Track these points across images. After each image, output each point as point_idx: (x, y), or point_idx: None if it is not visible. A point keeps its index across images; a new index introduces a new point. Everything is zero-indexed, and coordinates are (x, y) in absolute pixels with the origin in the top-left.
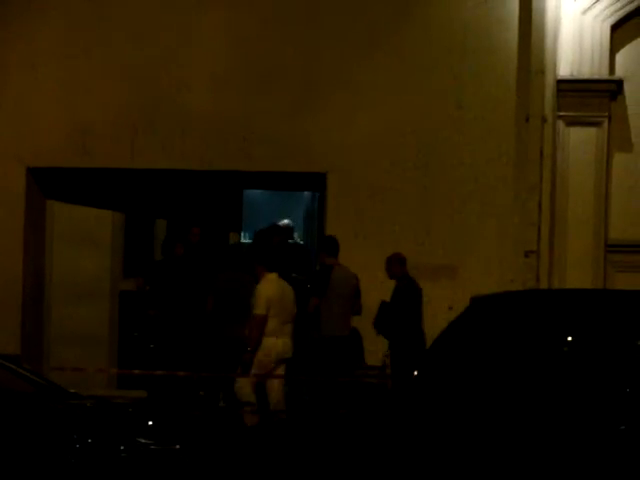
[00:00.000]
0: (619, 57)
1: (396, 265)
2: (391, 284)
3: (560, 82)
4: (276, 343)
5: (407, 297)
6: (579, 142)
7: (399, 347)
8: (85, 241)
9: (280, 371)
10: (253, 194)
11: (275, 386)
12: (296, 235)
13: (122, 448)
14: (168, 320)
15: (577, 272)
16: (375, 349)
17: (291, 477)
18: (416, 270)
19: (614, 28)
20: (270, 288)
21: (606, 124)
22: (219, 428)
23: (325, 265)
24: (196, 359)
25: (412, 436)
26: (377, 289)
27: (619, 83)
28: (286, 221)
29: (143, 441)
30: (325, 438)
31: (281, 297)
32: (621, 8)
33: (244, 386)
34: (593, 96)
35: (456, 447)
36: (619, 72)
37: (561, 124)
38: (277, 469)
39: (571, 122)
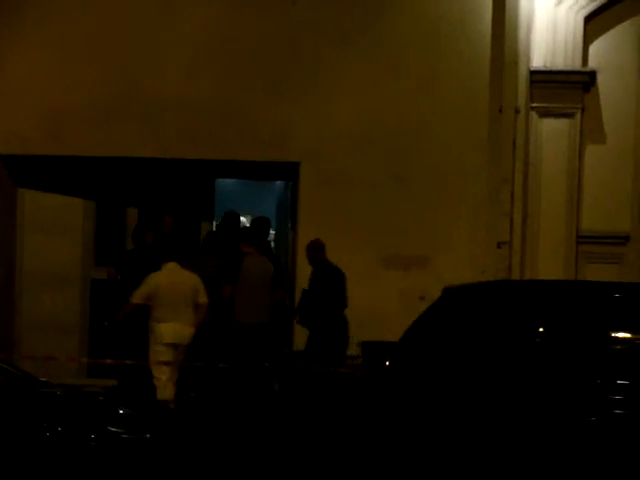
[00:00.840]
0: (592, 49)
1: (312, 252)
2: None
3: (533, 73)
4: (166, 329)
5: (325, 283)
6: (552, 133)
7: (320, 334)
8: (56, 229)
9: (171, 357)
10: (225, 183)
11: (165, 371)
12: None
13: (93, 437)
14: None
15: (549, 263)
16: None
17: (267, 467)
18: (389, 260)
19: (587, 20)
20: (158, 277)
21: (579, 115)
22: (189, 417)
23: (240, 253)
24: None
25: (384, 426)
26: (352, 279)
27: (592, 75)
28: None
29: (114, 430)
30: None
31: (172, 285)
32: (594, 0)
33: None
34: (566, 87)
35: (429, 436)
36: (592, 64)
37: (534, 115)
38: (251, 458)
39: (544, 113)
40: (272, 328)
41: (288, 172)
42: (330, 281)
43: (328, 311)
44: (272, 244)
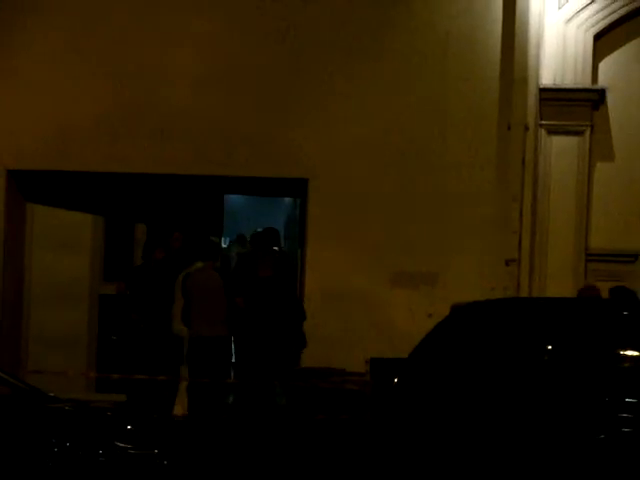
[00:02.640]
0: (602, 66)
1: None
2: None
3: (543, 90)
4: None
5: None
6: (561, 151)
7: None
8: (65, 244)
9: None
10: (234, 199)
11: None
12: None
13: (100, 452)
14: (149, 324)
15: (557, 281)
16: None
17: None
18: (397, 277)
19: (597, 37)
20: None
21: (588, 133)
22: (199, 432)
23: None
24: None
25: (392, 444)
26: (360, 296)
27: (601, 92)
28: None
29: (121, 445)
30: (309, 446)
31: None
32: (604, 18)
33: None
34: (575, 105)
35: (437, 453)
36: (602, 81)
37: (543, 132)
38: (259, 474)
39: (553, 131)
40: (228, 341)
41: (296, 189)
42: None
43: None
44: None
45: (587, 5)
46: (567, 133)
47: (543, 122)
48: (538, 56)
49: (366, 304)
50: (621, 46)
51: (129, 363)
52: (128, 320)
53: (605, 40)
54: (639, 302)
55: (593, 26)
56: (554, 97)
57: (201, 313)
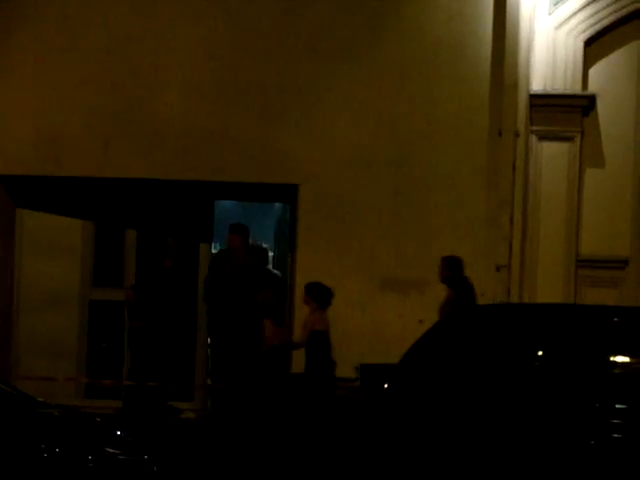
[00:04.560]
0: (592, 72)
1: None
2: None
3: (533, 97)
4: None
5: None
6: (551, 157)
7: None
8: (55, 250)
9: None
10: (224, 204)
11: None
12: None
13: (90, 458)
14: (153, 332)
15: (548, 286)
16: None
17: None
18: (387, 283)
19: (587, 43)
20: None
21: (578, 139)
22: (189, 438)
23: None
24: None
25: (383, 450)
26: (350, 302)
27: (592, 99)
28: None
29: (111, 451)
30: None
31: None
32: (594, 24)
33: None
34: (566, 111)
35: (427, 459)
36: (592, 87)
37: (534, 138)
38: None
39: (543, 137)
40: None
41: (287, 194)
42: None
43: None
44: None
45: (577, 11)
46: (557, 139)
47: (533, 128)
48: (528, 62)
49: (356, 309)
50: (611, 52)
51: (134, 370)
52: (132, 328)
53: (595, 46)
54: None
55: (583, 32)
56: (544, 103)
57: None
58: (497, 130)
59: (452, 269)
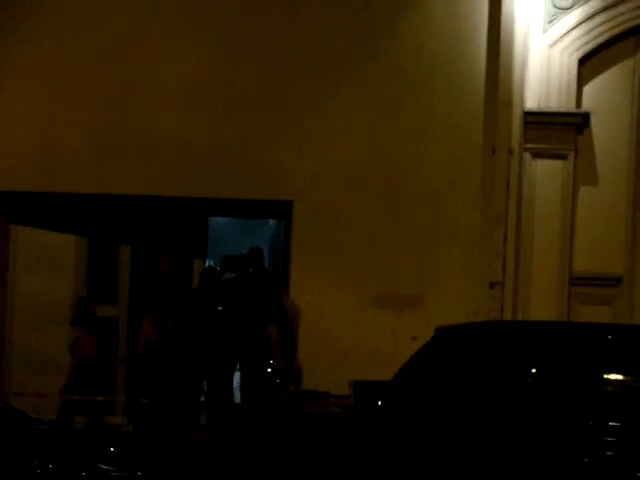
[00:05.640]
0: (586, 90)
1: None
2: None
3: (527, 114)
4: None
5: None
6: (545, 174)
7: None
8: (49, 266)
9: None
10: (218, 221)
11: None
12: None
13: (83, 474)
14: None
15: (541, 304)
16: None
17: None
18: (381, 299)
19: (581, 61)
20: None
21: (572, 157)
22: (182, 454)
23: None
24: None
25: (377, 467)
26: (344, 318)
27: (586, 116)
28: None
29: (104, 467)
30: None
31: None
32: (588, 42)
33: None
34: (560, 129)
35: (421, 477)
36: (586, 105)
37: (528, 156)
38: None
39: (537, 154)
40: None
41: (281, 211)
42: None
43: None
44: None
45: (571, 29)
46: (551, 157)
47: (527, 146)
48: (523, 80)
49: (350, 326)
50: (605, 70)
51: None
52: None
53: (590, 64)
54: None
55: (577, 50)
56: (538, 121)
57: None
58: (491, 148)
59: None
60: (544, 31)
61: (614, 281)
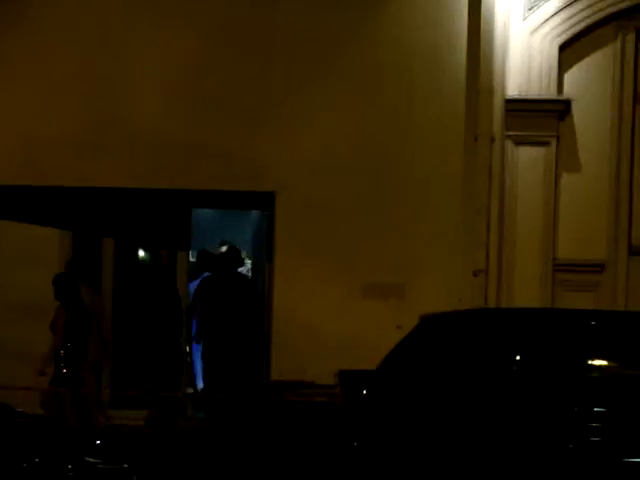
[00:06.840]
0: (567, 77)
1: None
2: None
3: (508, 102)
4: None
5: None
6: (527, 161)
7: None
8: (31, 260)
9: None
10: (202, 213)
11: None
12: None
13: (70, 467)
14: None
15: (525, 291)
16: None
17: None
18: (365, 289)
19: (562, 48)
20: None
21: (554, 144)
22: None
23: None
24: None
25: (362, 455)
26: (328, 308)
27: (567, 103)
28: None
29: (91, 460)
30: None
31: None
32: (569, 28)
33: None
34: (541, 116)
35: (406, 465)
36: (567, 92)
37: (509, 143)
38: None
39: (519, 142)
40: None
41: (264, 202)
42: None
43: None
44: (249, 273)
45: (552, 16)
46: (533, 144)
47: (509, 133)
48: (504, 67)
49: (334, 316)
50: (586, 56)
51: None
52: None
53: (570, 50)
54: None
55: (558, 37)
56: (520, 108)
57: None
58: (473, 135)
59: None
60: (524, 18)
61: (597, 267)
